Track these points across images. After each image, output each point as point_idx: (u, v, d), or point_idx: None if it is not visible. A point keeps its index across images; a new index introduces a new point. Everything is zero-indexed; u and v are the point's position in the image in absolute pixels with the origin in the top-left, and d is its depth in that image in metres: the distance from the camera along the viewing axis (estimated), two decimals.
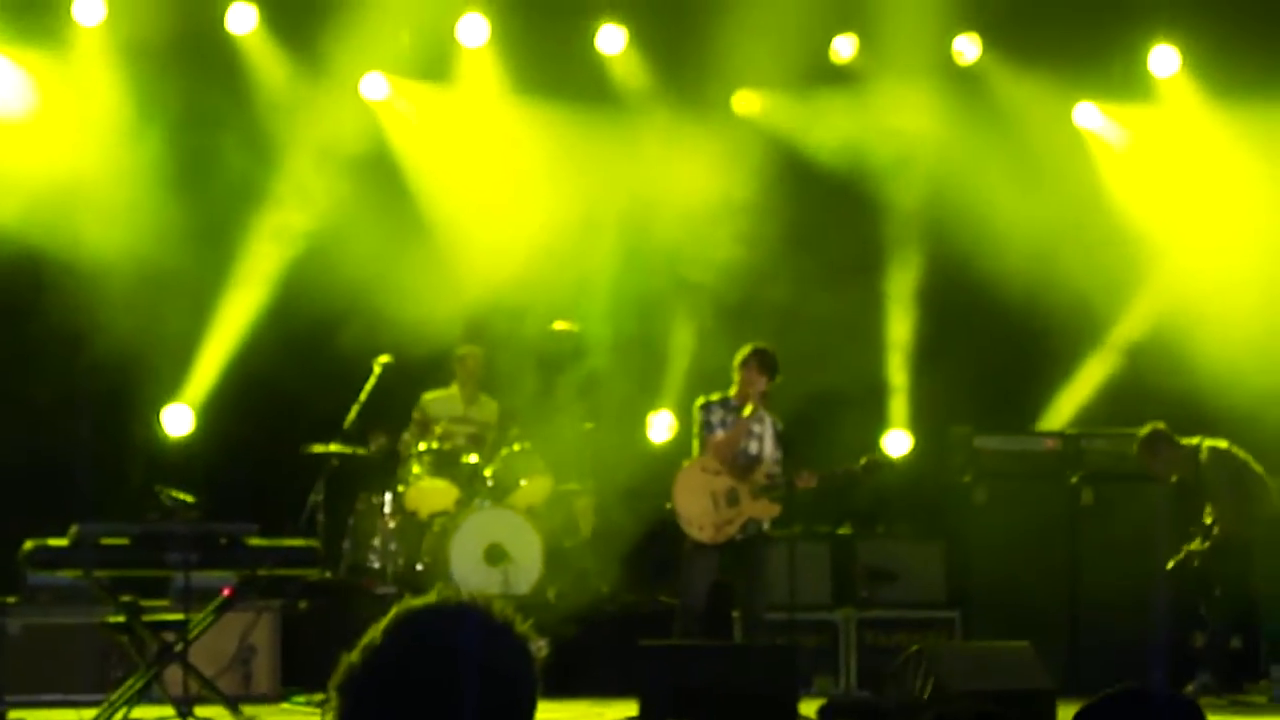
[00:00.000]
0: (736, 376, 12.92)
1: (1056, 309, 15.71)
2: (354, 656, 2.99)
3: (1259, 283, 15.89)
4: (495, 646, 2.98)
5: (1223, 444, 14.31)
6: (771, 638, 13.03)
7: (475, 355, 15.41)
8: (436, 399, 15.34)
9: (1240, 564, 14.25)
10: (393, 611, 3.02)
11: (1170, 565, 14.29)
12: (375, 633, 3.00)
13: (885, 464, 13.46)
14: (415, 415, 15.17)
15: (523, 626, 3.04)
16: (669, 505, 12.97)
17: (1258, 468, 14.32)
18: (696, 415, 13.03)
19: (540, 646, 12.48)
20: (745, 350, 12.93)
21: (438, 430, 15.00)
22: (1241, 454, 14.28)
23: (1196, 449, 14.28)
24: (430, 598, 3.04)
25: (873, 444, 15.26)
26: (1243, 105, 16.13)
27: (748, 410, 12.83)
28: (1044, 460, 15.16)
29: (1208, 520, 14.29)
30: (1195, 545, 14.27)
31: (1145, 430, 14.37)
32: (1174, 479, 14.44)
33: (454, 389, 15.42)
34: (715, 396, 13.00)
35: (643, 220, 16.08)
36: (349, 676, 2.97)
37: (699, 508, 12.80)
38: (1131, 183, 16.81)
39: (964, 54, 16.54)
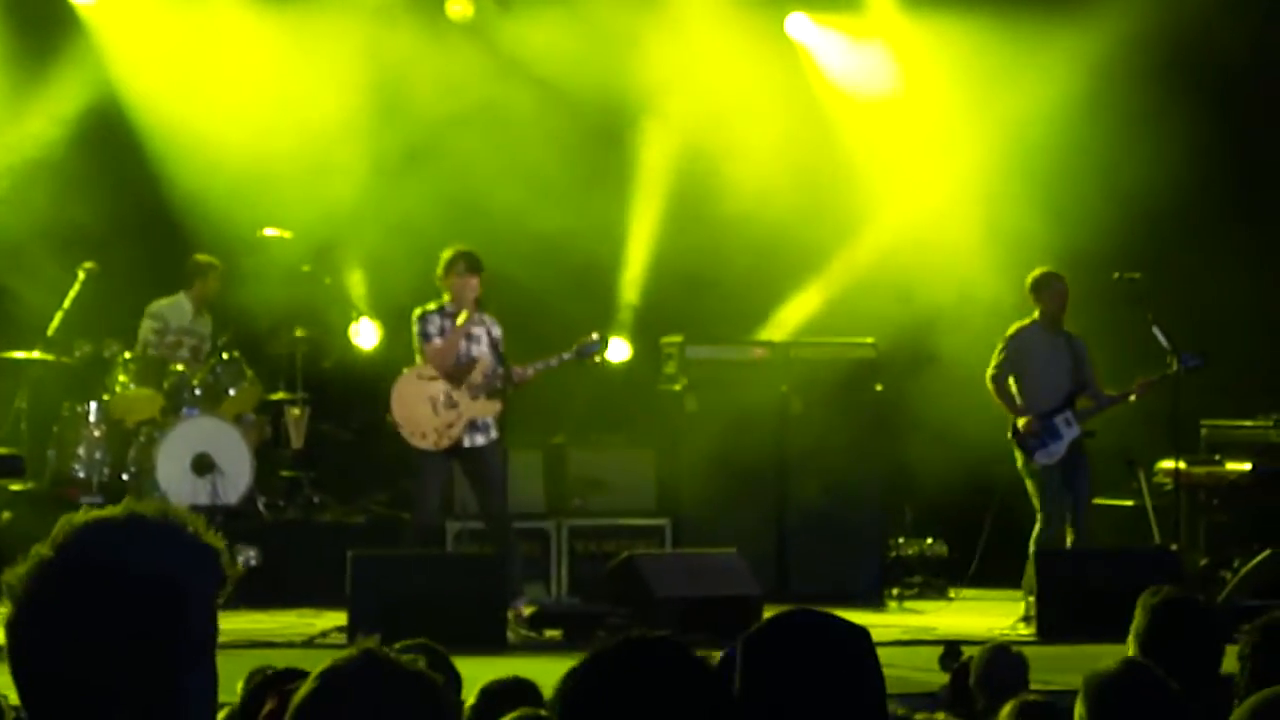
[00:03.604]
0: (444, 284, 12.82)
1: (783, 223, 15.67)
2: (20, 570, 2.89)
3: (966, 205, 16.09)
4: (170, 559, 2.89)
5: None
6: (511, 540, 12.97)
7: (218, 270, 15.02)
8: (167, 306, 14.96)
9: None
10: (60, 523, 2.92)
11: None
12: (44, 547, 2.91)
13: (597, 345, 13.31)
14: (154, 324, 14.75)
15: (210, 536, 2.93)
16: (388, 415, 12.88)
17: None
18: (414, 326, 12.91)
19: (250, 556, 12.16)
20: (448, 254, 12.78)
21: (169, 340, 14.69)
22: None
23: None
24: (103, 511, 2.95)
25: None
26: (940, 17, 16.23)
27: (463, 316, 12.78)
28: (754, 370, 15.28)
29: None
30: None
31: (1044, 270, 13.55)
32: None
33: (180, 296, 15.03)
34: (432, 306, 12.91)
35: (364, 124, 15.85)
36: (16, 592, 2.88)
37: (418, 415, 12.73)
38: (848, 98, 16.94)
39: None
